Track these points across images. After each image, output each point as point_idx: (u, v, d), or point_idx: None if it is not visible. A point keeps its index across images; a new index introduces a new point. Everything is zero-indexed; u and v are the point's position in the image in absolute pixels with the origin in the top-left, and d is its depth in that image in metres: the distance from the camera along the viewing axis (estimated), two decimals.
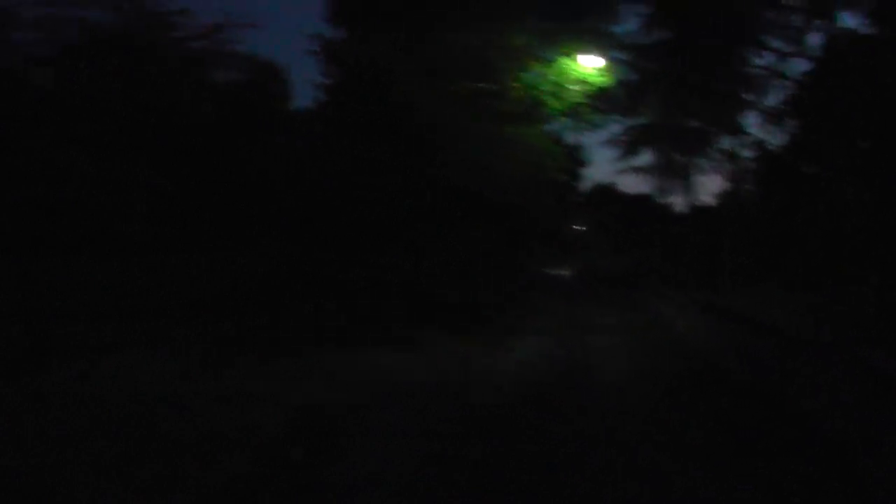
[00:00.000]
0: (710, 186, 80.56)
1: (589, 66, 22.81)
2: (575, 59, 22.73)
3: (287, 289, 19.28)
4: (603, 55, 23.45)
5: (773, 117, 27.20)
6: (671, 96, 27.07)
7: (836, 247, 24.83)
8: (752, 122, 34.36)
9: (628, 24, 29.24)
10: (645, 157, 41.10)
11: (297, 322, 16.84)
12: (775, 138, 29.01)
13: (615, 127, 39.61)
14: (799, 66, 33.40)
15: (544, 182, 26.89)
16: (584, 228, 74.77)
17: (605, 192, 71.02)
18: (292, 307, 18.29)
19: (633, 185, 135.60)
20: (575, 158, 53.09)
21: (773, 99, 26.77)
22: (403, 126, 24.57)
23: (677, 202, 44.10)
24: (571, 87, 23.10)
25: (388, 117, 25.94)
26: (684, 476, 6.75)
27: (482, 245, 28.23)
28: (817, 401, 10.33)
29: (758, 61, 25.28)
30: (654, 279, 26.27)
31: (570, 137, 41.69)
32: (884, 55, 21.01)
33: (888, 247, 21.51)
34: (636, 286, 35.52)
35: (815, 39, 26.20)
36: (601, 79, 23.28)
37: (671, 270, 31.05)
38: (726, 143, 31.28)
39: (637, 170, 36.52)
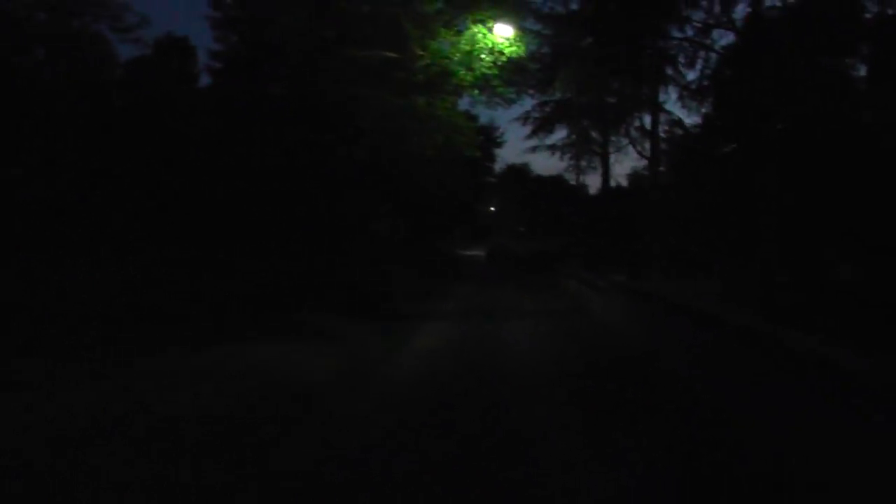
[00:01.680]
0: (627, 166, 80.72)
1: (502, 35, 21.55)
2: (487, 28, 21.43)
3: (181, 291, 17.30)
4: (517, 25, 22.25)
5: (692, 93, 26.34)
6: (587, 71, 25.85)
7: (747, 228, 24.13)
8: (671, 99, 33.44)
9: None
10: (560, 135, 40.46)
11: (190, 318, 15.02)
12: (695, 115, 28.29)
13: (529, 103, 38.86)
14: (722, 39, 32.63)
15: (457, 159, 25.47)
16: (498, 209, 74.07)
17: (519, 173, 70.28)
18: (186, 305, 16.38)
19: (546, 165, 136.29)
20: (489, 137, 52.13)
21: (694, 75, 25.92)
22: (307, 100, 22.80)
23: (592, 183, 43.56)
24: (483, 57, 21.75)
25: (289, 90, 24.15)
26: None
27: (394, 227, 26.72)
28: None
29: (679, 34, 24.23)
30: (572, 262, 25.25)
31: (483, 113, 40.11)
32: (810, 29, 20.21)
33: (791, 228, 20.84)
34: (552, 269, 34.50)
35: (740, 10, 25.30)
36: (514, 49, 22.01)
37: (589, 253, 30.00)
38: (645, 120, 30.28)
39: (551, 148, 35.47)
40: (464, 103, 27.28)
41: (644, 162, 34.11)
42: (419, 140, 22.17)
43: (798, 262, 18.98)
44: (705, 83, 24.84)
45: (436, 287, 27.34)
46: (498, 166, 66.87)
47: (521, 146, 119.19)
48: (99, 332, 11.68)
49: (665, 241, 27.61)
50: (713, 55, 23.48)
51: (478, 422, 7.95)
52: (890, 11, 21.03)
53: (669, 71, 26.94)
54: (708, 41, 23.42)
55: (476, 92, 23.72)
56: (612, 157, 34.19)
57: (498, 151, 59.53)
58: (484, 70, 22.27)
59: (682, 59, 24.94)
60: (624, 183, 51.10)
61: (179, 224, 21.82)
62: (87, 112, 21.46)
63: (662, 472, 6.14)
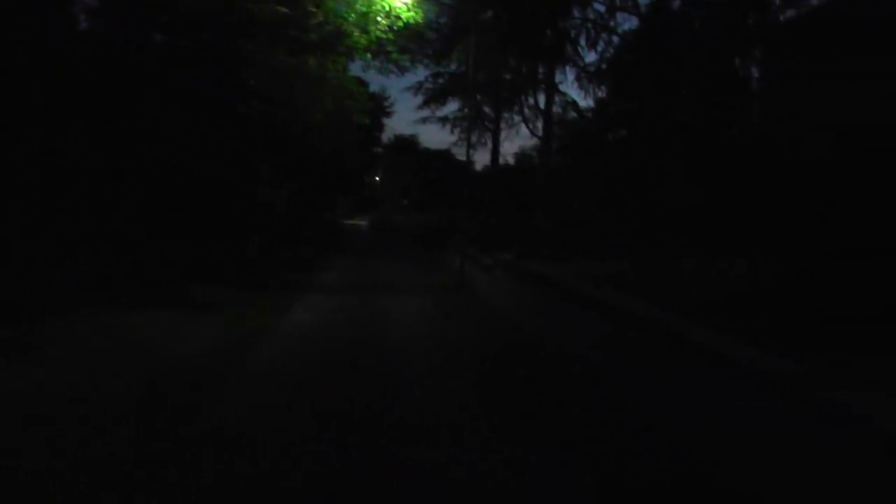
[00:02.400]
0: (517, 144, 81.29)
1: None
2: None
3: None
4: None
5: (591, 76, 26.17)
6: (485, 45, 25.28)
7: (646, 217, 24.21)
8: (568, 81, 33.25)
9: None
10: (452, 108, 39.91)
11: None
12: (590, 99, 28.19)
13: (423, 73, 38.13)
14: (625, 24, 32.59)
15: (347, 125, 24.54)
16: (384, 180, 73.24)
17: (407, 144, 69.56)
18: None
19: (436, 138, 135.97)
20: (379, 106, 51.13)
21: (593, 58, 25.77)
22: (194, 51, 21.33)
23: (480, 160, 43.06)
24: (379, 20, 20.91)
25: (175, 39, 22.55)
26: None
27: (280, 194, 25.53)
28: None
29: (580, 16, 23.94)
30: (460, 238, 24.78)
31: (373, 81, 39.17)
32: (714, 20, 20.26)
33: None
34: (437, 244, 34.03)
35: None
36: (412, 15, 21.28)
37: (478, 230, 29.60)
38: (539, 100, 29.93)
39: (442, 120, 34.85)
40: (356, 68, 26.32)
41: (533, 141, 34.03)
42: (309, 103, 21.16)
43: (699, 254, 19.06)
44: (604, 66, 24.68)
45: (317, 256, 26.45)
46: (386, 136, 66.11)
47: (412, 116, 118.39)
48: None
49: (553, 222, 27.47)
50: (615, 39, 23.31)
51: (364, 404, 7.27)
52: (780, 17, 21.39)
53: (569, 51, 26.71)
54: (612, 23, 23.22)
55: (369, 56, 22.88)
56: (503, 135, 33.89)
57: (387, 121, 58.51)
58: (379, 34, 21.50)
59: (582, 41, 24.68)
60: (511, 161, 51.26)
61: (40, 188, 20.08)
62: None
63: (567, 460, 5.83)
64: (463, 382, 8.53)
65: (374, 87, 49.08)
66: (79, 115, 19.55)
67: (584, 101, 44.08)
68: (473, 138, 33.98)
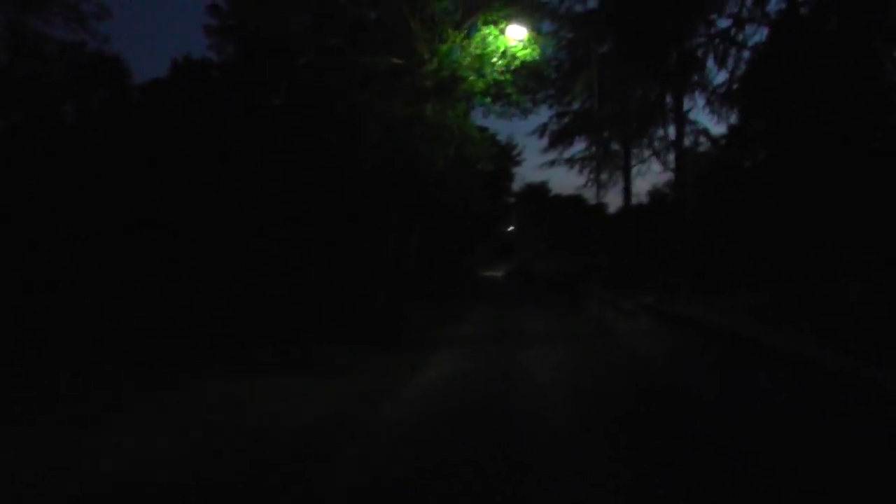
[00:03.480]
0: (650, 180, 78.96)
1: (514, 37, 20.09)
2: (499, 30, 19.99)
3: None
4: (531, 26, 20.75)
5: (721, 98, 24.56)
6: (608, 76, 24.20)
7: (783, 245, 22.28)
8: (699, 106, 31.62)
9: None
10: (579, 147, 38.81)
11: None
12: (724, 122, 26.45)
13: (546, 115, 37.27)
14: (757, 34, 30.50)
15: (471, 172, 23.87)
16: (518, 228, 72.54)
17: (538, 191, 68.76)
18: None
19: (565, 181, 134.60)
20: (507, 155, 50.62)
21: (723, 78, 24.26)
22: (310, 110, 21.36)
23: (611, 201, 41.48)
24: (495, 61, 20.26)
25: (290, 100, 22.75)
26: None
27: (410, 243, 25.08)
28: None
29: (708, 31, 22.51)
30: (595, 282, 23.57)
31: (501, 131, 38.48)
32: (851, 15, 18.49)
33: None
34: (574, 289, 32.74)
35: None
36: (528, 52, 20.53)
37: (613, 273, 28.19)
38: (669, 130, 28.44)
39: (570, 161, 33.75)
40: (477, 116, 25.77)
41: (666, 177, 32.40)
42: (429, 151, 20.62)
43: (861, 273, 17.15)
44: (735, 86, 23.06)
45: (454, 308, 25.71)
46: (517, 185, 65.55)
47: (539, 160, 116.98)
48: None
49: (692, 259, 25.73)
50: (745, 54, 21.72)
51: (496, 487, 6.25)
52: None
53: (696, 77, 25.23)
54: (740, 37, 21.66)
55: (488, 100, 22.23)
56: (634, 170, 32.44)
57: (517, 170, 57.95)
58: (496, 76, 20.83)
59: (711, 60, 23.16)
60: (644, 200, 49.45)
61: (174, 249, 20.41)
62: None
63: None
64: (606, 456, 7.42)
65: (501, 137, 48.64)
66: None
67: (717, 128, 42.24)
68: (603, 177, 32.71)
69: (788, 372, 11.66)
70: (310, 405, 9.58)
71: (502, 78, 21.11)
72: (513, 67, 20.92)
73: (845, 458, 6.79)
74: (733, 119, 26.66)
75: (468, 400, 10.08)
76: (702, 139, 28.92)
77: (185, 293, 17.13)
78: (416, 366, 13.08)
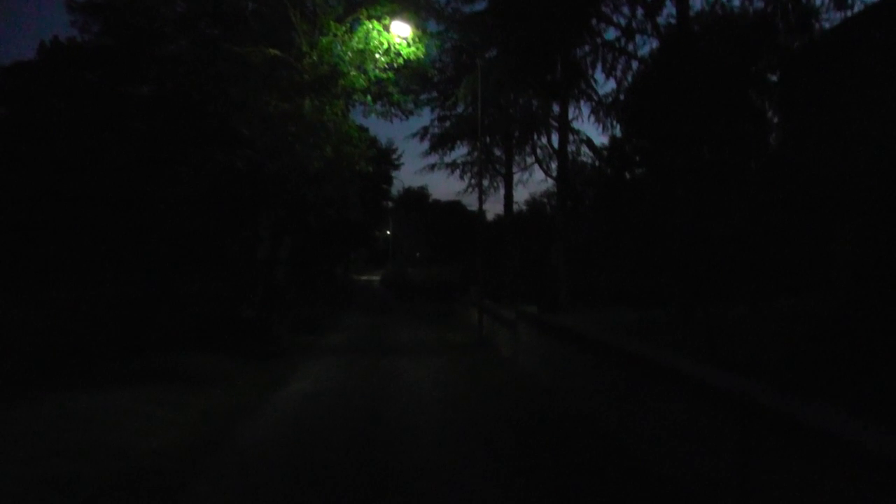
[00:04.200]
0: (529, 188, 79.60)
1: (399, 35, 19.22)
2: (383, 26, 19.05)
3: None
4: (416, 24, 19.95)
5: (607, 109, 24.29)
6: (492, 82, 23.53)
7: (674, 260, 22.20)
8: (584, 115, 31.34)
9: None
10: (460, 152, 38.16)
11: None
12: (609, 132, 26.25)
13: (428, 118, 36.50)
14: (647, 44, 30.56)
15: (348, 174, 22.72)
16: (395, 234, 71.76)
17: (417, 197, 68.18)
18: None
19: (446, 188, 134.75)
20: (386, 159, 49.67)
21: (609, 88, 24.09)
22: (178, 102, 19.79)
23: (491, 208, 41.28)
24: (378, 57, 19.31)
25: (160, 90, 21.07)
26: None
27: (282, 249, 23.66)
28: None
29: (596, 40, 22.16)
30: (475, 291, 22.91)
31: (381, 134, 37.67)
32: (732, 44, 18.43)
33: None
34: (452, 297, 32.03)
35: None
36: (412, 51, 19.71)
37: (492, 282, 27.56)
38: (553, 139, 28.02)
39: (451, 166, 32.98)
40: (357, 117, 24.67)
41: (546, 186, 32.19)
42: (305, 150, 19.39)
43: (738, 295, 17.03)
44: (622, 97, 22.81)
45: (325, 316, 24.50)
46: (396, 189, 64.77)
47: (419, 164, 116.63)
48: None
49: (575, 270, 25.39)
50: (634, 64, 21.48)
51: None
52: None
53: (582, 85, 24.88)
54: (630, 48, 21.41)
55: (369, 98, 21.24)
56: (516, 178, 31.98)
57: (396, 174, 57.12)
58: (378, 73, 19.88)
59: (598, 69, 22.83)
60: (524, 208, 49.53)
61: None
62: None
63: None
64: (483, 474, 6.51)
65: (381, 140, 47.68)
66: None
67: (601, 138, 42.92)
68: (485, 183, 32.05)
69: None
70: (164, 424, 8.36)
71: (384, 76, 20.22)
72: (396, 65, 20.06)
73: None
74: (613, 132, 26.62)
75: (334, 423, 9.01)
76: (584, 149, 28.74)
77: (43, 301, 15.25)
78: (282, 380, 11.94)
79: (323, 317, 24.48)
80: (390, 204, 65.35)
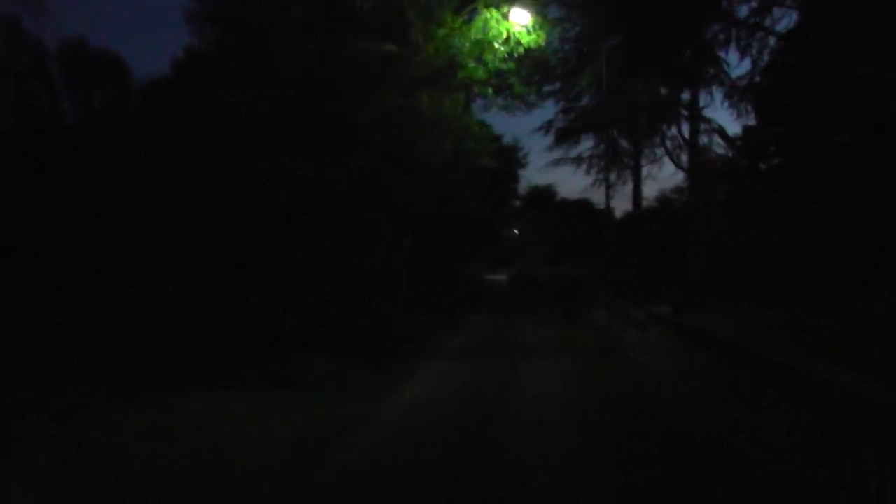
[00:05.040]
0: (658, 185, 76.84)
1: (518, 22, 18.44)
2: (501, 14, 18.33)
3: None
4: (536, 10, 19.10)
5: (742, 93, 22.63)
6: (617, 69, 22.39)
7: (813, 256, 20.47)
8: (716, 102, 29.53)
9: None
10: (586, 146, 36.95)
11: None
12: (745, 119, 24.51)
13: (552, 111, 35.51)
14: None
15: (471, 169, 22.11)
16: (523, 233, 70.88)
17: (543, 195, 67.00)
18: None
19: (572, 184, 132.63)
20: (512, 157, 48.90)
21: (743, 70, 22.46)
22: (293, 102, 19.61)
23: (618, 206, 39.79)
24: (497, 46, 18.59)
25: (273, 92, 20.92)
26: None
27: (403, 248, 23.30)
28: None
29: (728, 18, 20.64)
30: (603, 290, 21.91)
31: (507, 133, 37.15)
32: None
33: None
34: (581, 297, 30.89)
35: None
36: (533, 38, 18.85)
37: (622, 281, 26.29)
38: (682, 129, 26.46)
39: (577, 160, 31.86)
40: (479, 112, 23.98)
41: (676, 180, 30.52)
42: (425, 146, 18.91)
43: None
44: (757, 79, 21.16)
45: (452, 317, 23.86)
46: (522, 188, 63.85)
47: (545, 158, 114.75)
48: None
49: (710, 268, 23.76)
50: (772, 41, 19.86)
51: None
52: None
53: (712, 70, 23.30)
54: (766, 22, 19.77)
55: (490, 90, 20.51)
56: (645, 171, 30.56)
57: (522, 172, 56.16)
58: (498, 64, 19.15)
59: (732, 49, 21.20)
60: (653, 205, 47.66)
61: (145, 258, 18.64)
62: None
63: None
64: None
65: (507, 139, 46.84)
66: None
67: (735, 127, 40.50)
68: (612, 177, 30.76)
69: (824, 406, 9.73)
70: (267, 435, 7.91)
71: (505, 66, 19.50)
72: (516, 55, 19.26)
73: None
74: (747, 122, 24.94)
75: (456, 432, 8.31)
76: (716, 139, 27.12)
77: (159, 300, 15.33)
78: (395, 385, 11.34)
79: (449, 317, 23.89)
80: (518, 203, 64.48)
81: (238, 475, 6.49)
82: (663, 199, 48.30)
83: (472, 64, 18.60)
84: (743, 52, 20.95)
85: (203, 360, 11.95)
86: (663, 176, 79.66)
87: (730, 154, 29.33)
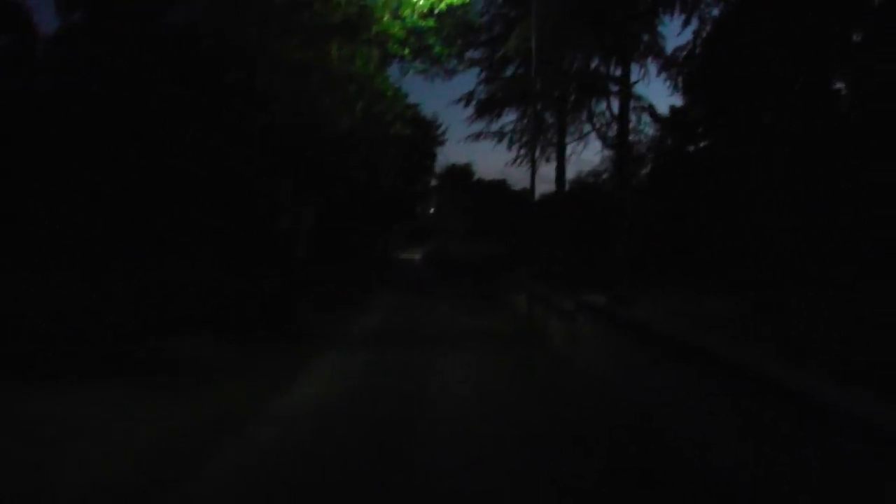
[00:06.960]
0: (576, 166, 76.17)
1: None
2: None
3: None
4: None
5: (680, 66, 21.35)
6: (546, 35, 20.74)
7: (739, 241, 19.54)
8: (651, 74, 28.15)
9: None
10: (508, 119, 35.60)
11: None
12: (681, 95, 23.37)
13: (473, 81, 33.94)
14: None
15: (384, 136, 20.28)
16: (439, 211, 69.73)
17: (461, 173, 65.79)
18: None
19: (489, 161, 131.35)
20: (430, 134, 47.10)
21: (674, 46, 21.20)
22: (187, 53, 17.33)
23: (538, 188, 38.42)
24: (416, 0, 16.76)
25: (168, 41, 18.52)
26: None
27: (304, 220, 21.31)
28: None
29: None
30: (522, 272, 20.61)
31: (426, 105, 35.29)
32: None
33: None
34: (498, 277, 29.50)
35: None
36: None
37: (542, 262, 24.84)
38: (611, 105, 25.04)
39: (499, 134, 30.23)
40: (395, 80, 22.16)
41: (596, 162, 29.38)
42: (332, 105, 16.97)
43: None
44: (698, 51, 19.86)
45: (356, 296, 22.08)
46: (440, 166, 62.43)
47: (465, 131, 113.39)
48: None
49: (640, 251, 22.53)
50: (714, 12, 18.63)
51: None
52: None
53: (646, 37, 21.91)
54: None
55: (407, 51, 18.62)
56: (569, 149, 29.18)
57: (439, 149, 54.66)
58: (417, 20, 17.26)
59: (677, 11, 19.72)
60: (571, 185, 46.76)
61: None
62: None
63: None
64: None
65: (425, 113, 45.04)
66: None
67: (665, 106, 39.72)
68: (536, 154, 29.26)
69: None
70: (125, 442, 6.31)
71: (424, 24, 17.62)
72: (437, 11, 17.40)
73: None
74: (679, 98, 23.96)
75: (353, 440, 6.81)
76: (646, 118, 25.95)
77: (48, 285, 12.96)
78: (290, 377, 9.56)
79: (354, 295, 22.12)
80: (434, 181, 63.03)
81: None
82: (580, 182, 47.19)
83: (387, 17, 16.71)
84: (689, 18, 19.46)
85: (47, 347, 9.82)
86: (586, 155, 78.92)
87: (658, 133, 28.35)
